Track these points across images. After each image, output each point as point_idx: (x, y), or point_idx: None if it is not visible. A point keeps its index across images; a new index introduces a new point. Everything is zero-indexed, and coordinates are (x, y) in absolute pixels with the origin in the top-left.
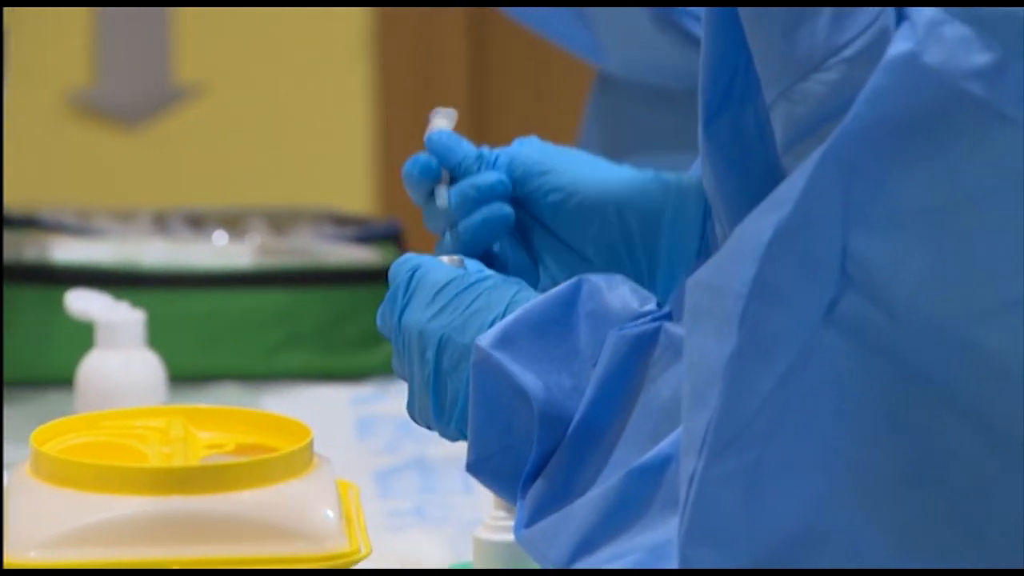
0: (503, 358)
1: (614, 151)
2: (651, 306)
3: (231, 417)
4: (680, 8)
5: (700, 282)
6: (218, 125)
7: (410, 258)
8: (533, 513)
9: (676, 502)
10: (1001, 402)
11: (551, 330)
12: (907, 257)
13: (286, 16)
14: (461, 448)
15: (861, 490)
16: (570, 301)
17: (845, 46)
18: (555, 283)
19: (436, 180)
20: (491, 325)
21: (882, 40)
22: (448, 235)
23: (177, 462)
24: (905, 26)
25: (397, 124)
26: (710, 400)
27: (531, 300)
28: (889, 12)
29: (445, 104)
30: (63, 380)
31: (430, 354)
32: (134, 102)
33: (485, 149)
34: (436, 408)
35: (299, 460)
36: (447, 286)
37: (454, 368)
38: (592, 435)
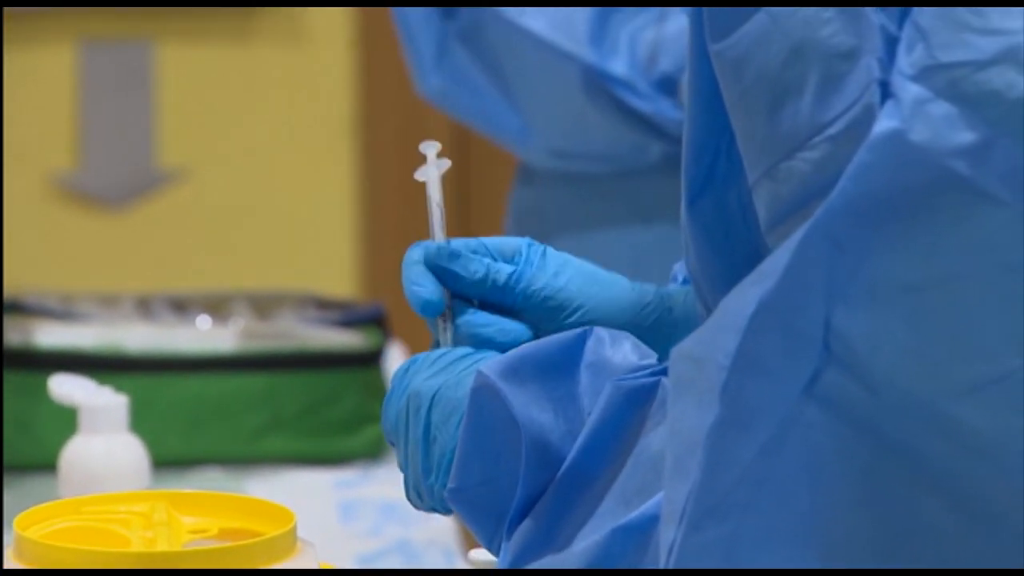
0: (505, 388)
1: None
2: (650, 360)
3: (214, 502)
4: (614, 78)
5: (683, 353)
6: (202, 209)
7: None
8: (518, 556)
9: (657, 564)
10: (977, 478)
11: (553, 372)
12: (887, 333)
13: (270, 100)
14: (445, 531)
15: (836, 562)
16: (575, 349)
17: (829, 124)
18: None
19: (440, 311)
20: None
21: (867, 117)
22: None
23: (160, 547)
24: (890, 104)
25: (381, 208)
26: (690, 470)
27: (536, 341)
28: (874, 89)
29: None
30: (46, 465)
31: (423, 410)
32: (118, 186)
33: (489, 264)
34: (425, 462)
35: (283, 544)
36: (445, 355)
37: (445, 421)
38: (581, 482)
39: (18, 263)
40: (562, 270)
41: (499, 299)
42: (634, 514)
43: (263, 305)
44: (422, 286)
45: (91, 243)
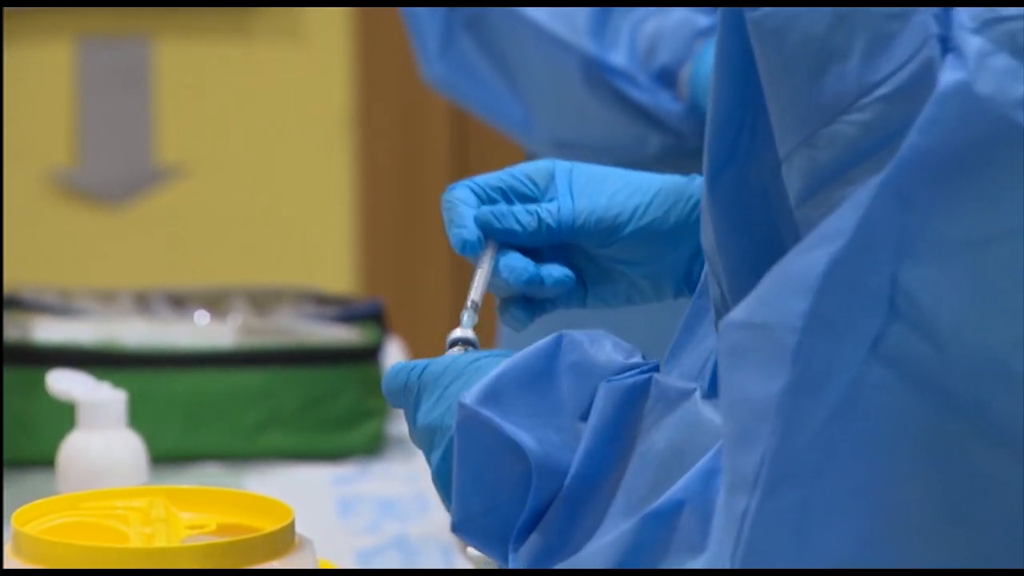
0: (491, 414)
1: None
2: (637, 359)
3: (213, 497)
4: (613, 69)
5: (736, 322)
6: (200, 205)
7: (404, 367)
8: (528, 566)
9: (691, 546)
10: None
11: (534, 385)
12: (952, 288)
13: (268, 96)
14: (443, 527)
15: (902, 527)
16: (551, 354)
17: (879, 84)
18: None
19: (478, 251)
20: None
21: (926, 72)
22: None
23: (159, 543)
24: (952, 57)
25: (379, 203)
26: (760, 436)
27: (511, 357)
28: (933, 43)
29: (426, 184)
30: (44, 460)
31: (427, 446)
32: (116, 182)
33: (538, 211)
34: (445, 495)
35: (281, 540)
36: (443, 376)
37: (451, 451)
38: (588, 488)
39: (17, 259)
40: (603, 186)
41: (554, 239)
42: (661, 499)
43: (261, 301)
44: (463, 227)
45: (89, 239)
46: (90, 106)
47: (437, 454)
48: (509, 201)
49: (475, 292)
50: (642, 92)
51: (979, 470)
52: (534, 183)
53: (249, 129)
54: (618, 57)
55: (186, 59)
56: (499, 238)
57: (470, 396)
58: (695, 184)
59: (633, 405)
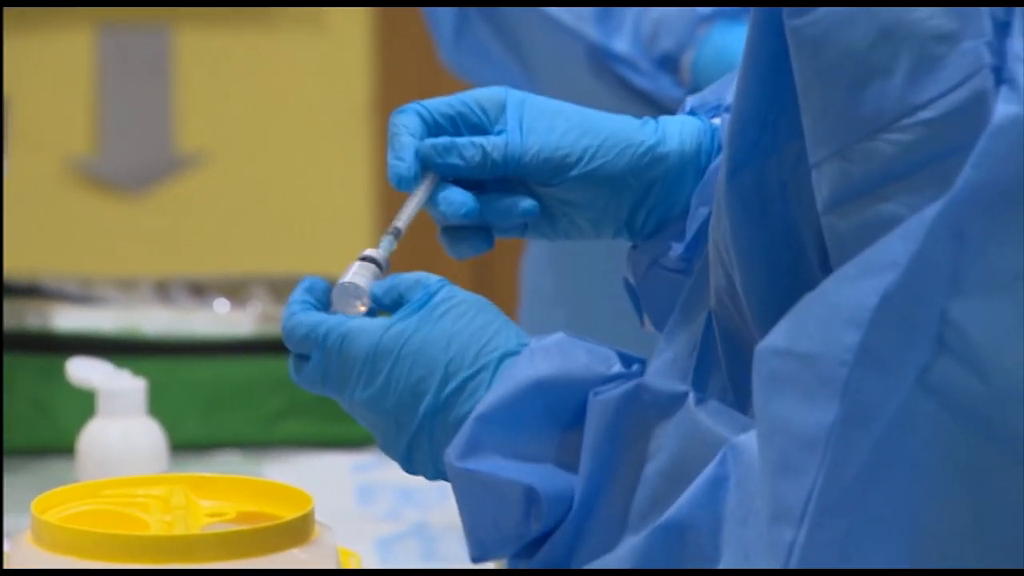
0: (480, 467)
1: None
2: (617, 366)
3: (232, 485)
4: (616, 55)
5: (775, 349)
6: (220, 193)
7: (305, 322)
8: None
9: (703, 558)
10: None
11: (513, 419)
12: (1002, 320)
13: (287, 84)
14: None
15: (942, 552)
16: (522, 384)
17: (923, 107)
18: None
19: (411, 189)
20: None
21: (978, 103)
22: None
23: (178, 531)
24: (1006, 88)
25: (398, 192)
26: (807, 469)
27: (483, 395)
28: (986, 73)
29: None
30: (64, 448)
31: (381, 433)
32: (136, 170)
33: (483, 145)
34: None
35: (300, 528)
36: (376, 357)
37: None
38: (593, 506)
39: (37, 247)
40: (554, 123)
41: (498, 173)
42: (668, 513)
43: (281, 289)
44: (402, 160)
45: (109, 227)
46: (111, 94)
47: (400, 449)
48: (457, 129)
49: (400, 219)
50: (644, 78)
51: (1019, 498)
52: (484, 112)
53: (268, 118)
54: (621, 44)
55: (206, 48)
56: (441, 172)
57: (454, 453)
58: (647, 129)
59: (626, 416)
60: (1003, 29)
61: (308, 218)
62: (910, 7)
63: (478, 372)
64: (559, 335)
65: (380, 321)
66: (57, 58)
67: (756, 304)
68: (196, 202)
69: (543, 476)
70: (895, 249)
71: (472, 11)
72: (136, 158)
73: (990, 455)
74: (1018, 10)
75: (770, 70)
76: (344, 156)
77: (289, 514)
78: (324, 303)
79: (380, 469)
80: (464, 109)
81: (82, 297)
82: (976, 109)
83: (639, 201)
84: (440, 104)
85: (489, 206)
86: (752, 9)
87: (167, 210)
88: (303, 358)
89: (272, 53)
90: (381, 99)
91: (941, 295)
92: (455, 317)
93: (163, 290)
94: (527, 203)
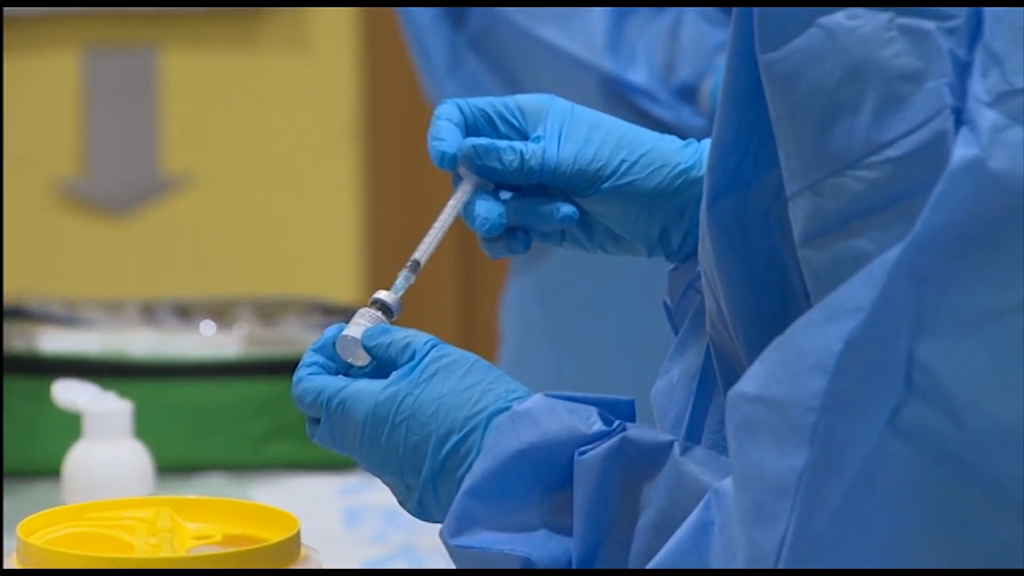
0: (472, 542)
1: None
2: (598, 425)
3: (218, 508)
4: (634, 87)
5: (746, 395)
6: (206, 215)
7: (319, 390)
8: None
9: None
10: None
11: (501, 490)
12: (970, 361)
13: (273, 107)
14: None
15: None
16: (506, 452)
17: (888, 145)
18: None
19: (455, 165)
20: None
21: (938, 144)
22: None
23: (164, 553)
24: (965, 131)
25: (384, 213)
26: (779, 515)
27: (475, 457)
28: (947, 115)
29: (433, 193)
30: (50, 471)
31: (395, 485)
32: (122, 192)
33: (522, 151)
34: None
35: (287, 551)
36: (375, 422)
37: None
38: (591, 564)
39: (22, 269)
40: (592, 135)
41: (534, 180)
42: (656, 558)
43: (267, 311)
44: (443, 139)
45: (95, 249)
46: (96, 116)
47: (412, 505)
48: (494, 127)
49: (420, 250)
50: (663, 108)
51: (992, 536)
52: (523, 115)
53: (255, 138)
54: (638, 75)
55: (192, 68)
56: (479, 173)
57: (447, 531)
58: (688, 151)
59: (613, 473)
60: (964, 69)
61: (294, 240)
62: (878, 47)
63: (469, 434)
64: (539, 397)
65: (376, 385)
66: (43, 80)
67: (741, 330)
68: (182, 224)
69: (537, 544)
70: (858, 294)
71: (463, 46)
72: (122, 180)
73: (964, 495)
74: (978, 50)
75: (748, 100)
76: (331, 177)
77: (275, 537)
78: (334, 357)
79: (366, 492)
80: (502, 108)
81: (68, 319)
82: (937, 150)
83: (671, 222)
84: (479, 101)
85: (529, 210)
86: (728, 39)
87: (153, 232)
88: (315, 420)
89: (258, 74)
90: (368, 118)
91: (907, 338)
92: (442, 379)
93: (149, 312)
94: (567, 209)
